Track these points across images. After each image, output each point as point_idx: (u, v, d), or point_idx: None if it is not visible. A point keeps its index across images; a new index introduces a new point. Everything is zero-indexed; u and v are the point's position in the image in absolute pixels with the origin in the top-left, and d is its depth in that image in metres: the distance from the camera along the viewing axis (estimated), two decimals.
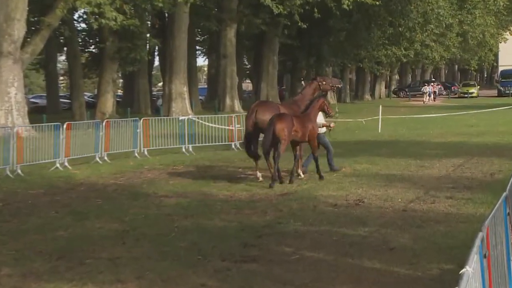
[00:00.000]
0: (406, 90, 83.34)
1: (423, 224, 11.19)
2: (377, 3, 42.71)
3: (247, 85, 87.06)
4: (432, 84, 76.26)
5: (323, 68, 63.60)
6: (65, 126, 20.86)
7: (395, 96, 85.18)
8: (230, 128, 25.61)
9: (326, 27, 52.91)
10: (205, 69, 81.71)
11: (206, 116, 28.19)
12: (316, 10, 42.15)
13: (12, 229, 11.68)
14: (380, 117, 33.48)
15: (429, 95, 69.12)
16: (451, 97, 79.38)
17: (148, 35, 44.04)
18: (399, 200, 13.55)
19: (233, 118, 26.06)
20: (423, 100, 66.71)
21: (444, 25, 62.68)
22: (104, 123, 22.67)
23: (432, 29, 61.79)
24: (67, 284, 8.30)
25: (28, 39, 31.28)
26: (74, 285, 8.25)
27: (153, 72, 66.28)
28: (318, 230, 10.99)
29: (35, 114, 38.23)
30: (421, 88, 74.97)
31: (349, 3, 41.50)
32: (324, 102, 16.60)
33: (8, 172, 18.40)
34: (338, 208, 12.85)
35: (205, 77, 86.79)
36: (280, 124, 15.32)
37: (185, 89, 43.14)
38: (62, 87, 65.41)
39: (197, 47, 68.39)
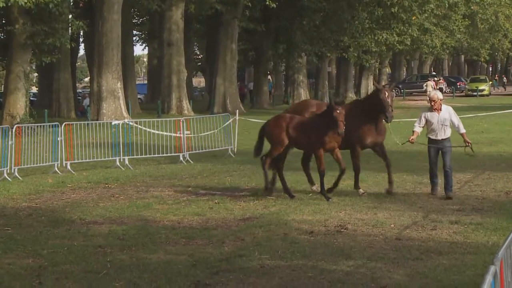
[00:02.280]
0: (400, 86, 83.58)
1: (421, 256, 11.23)
2: None
3: (199, 80, 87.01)
4: (434, 79, 76.51)
5: (295, 58, 63.56)
6: None
7: None
8: (178, 135, 25.58)
9: (298, 7, 52.98)
10: (145, 60, 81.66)
11: (147, 120, 28.12)
12: None
13: None
14: None
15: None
16: (456, 96, 79.57)
17: (70, 16, 43.68)
18: (392, 226, 13.64)
19: (181, 123, 26.03)
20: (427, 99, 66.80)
21: (447, 5, 62.80)
22: (14, 129, 22.51)
23: (433, 10, 61.70)
24: None
25: None
26: None
27: (77, 64, 65.95)
28: (289, 264, 10.99)
29: None
30: (421, 84, 75.22)
31: None
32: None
33: None
34: (315, 237, 12.88)
35: (144, 70, 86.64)
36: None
37: (119, 85, 42.94)
38: None
39: (134, 32, 68.24)
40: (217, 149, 26.68)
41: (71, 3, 46.26)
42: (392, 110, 16.76)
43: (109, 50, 42.36)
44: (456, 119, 16.35)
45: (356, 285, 9.83)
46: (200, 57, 72.72)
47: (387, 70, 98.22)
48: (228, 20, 52.43)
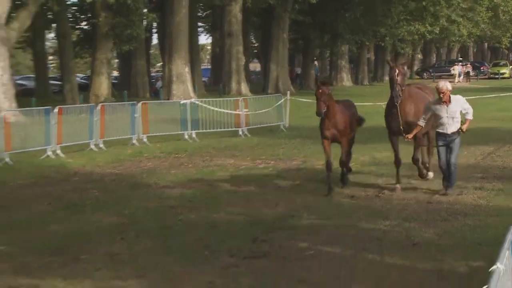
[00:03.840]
0: (430, 70, 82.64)
1: (449, 218, 11.18)
2: None
3: (255, 65, 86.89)
4: (461, 63, 75.79)
5: (338, 46, 63.31)
6: (56, 110, 20.91)
7: (418, 77, 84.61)
8: (237, 112, 25.65)
9: (342, 1, 52.58)
10: (209, 48, 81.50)
11: (210, 99, 28.17)
12: None
13: (0, 223, 11.80)
14: None
15: (459, 76, 68.62)
16: (480, 78, 78.75)
17: (145, 10, 43.90)
18: (424, 191, 13.54)
19: (239, 102, 26.11)
20: (453, 81, 66.30)
21: None
22: (98, 108, 22.72)
23: (459, 3, 61.10)
24: (62, 281, 8.37)
25: (13, 15, 31.25)
26: (69, 282, 8.31)
27: (151, 52, 66.31)
28: (334, 224, 11.02)
29: (23, 97, 38.23)
30: (449, 68, 74.52)
31: None
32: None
33: None
34: (356, 200, 12.90)
35: (208, 57, 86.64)
36: None
37: (187, 70, 43.08)
38: (52, 68, 65.43)
39: (199, 24, 68.31)
40: (271, 124, 26.67)
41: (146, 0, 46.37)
42: (401, 89, 12.94)
43: (178, 39, 42.49)
44: (467, 106, 12.88)
45: (392, 242, 9.80)
46: (255, 45, 72.36)
47: (419, 56, 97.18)
48: (280, 13, 52.24)
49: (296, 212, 11.78)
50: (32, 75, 57.32)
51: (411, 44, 76.68)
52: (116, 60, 58.39)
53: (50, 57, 66.40)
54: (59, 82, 50.72)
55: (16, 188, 15.35)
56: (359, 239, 10.02)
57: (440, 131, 12.74)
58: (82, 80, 56.55)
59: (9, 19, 30.12)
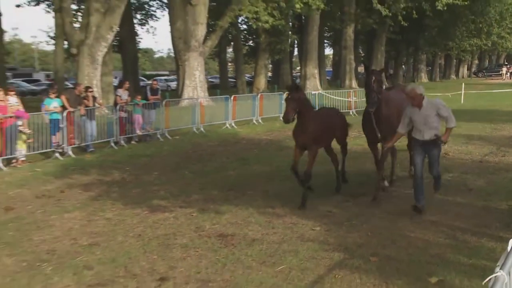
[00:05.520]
0: (484, 71, 78.33)
1: (495, 172, 10.70)
2: (466, 3, 40.53)
3: (361, 68, 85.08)
4: (507, 66, 71.72)
5: (419, 55, 62.08)
6: (232, 97, 21.33)
7: (475, 76, 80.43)
8: (349, 100, 25.31)
9: (422, 25, 50.90)
10: (331, 57, 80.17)
11: (331, 91, 27.88)
12: (414, 12, 41.02)
13: (197, 170, 12.15)
14: (463, 92, 32.09)
15: (506, 74, 65.09)
16: None
17: (289, 32, 43.90)
18: (477, 153, 12.99)
19: (351, 93, 25.84)
20: (502, 78, 62.66)
21: None
22: (258, 96, 22.99)
23: (507, 24, 58.10)
24: (235, 207, 8.56)
25: (207, 37, 32.05)
26: (239, 208, 8.47)
27: (293, 59, 66.07)
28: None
29: (212, 89, 39.22)
30: (498, 69, 70.45)
31: (443, 4, 39.72)
32: None
33: (195, 130, 19.12)
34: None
35: (330, 62, 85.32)
36: None
37: (316, 71, 42.85)
38: (230, 70, 66.52)
39: (325, 41, 67.41)
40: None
41: (290, 25, 46.28)
42: (376, 97, 8.29)
43: (311, 51, 42.23)
44: (445, 112, 7.80)
45: (454, 188, 9.47)
46: (362, 55, 70.70)
47: (476, 61, 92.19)
48: (379, 33, 50.93)
49: (386, 167, 11.02)
50: (218, 75, 58.60)
51: (470, 53, 73.26)
52: (270, 65, 58.52)
53: (229, 64, 67.50)
54: (234, 80, 51.56)
55: (207, 147, 15.73)
56: (432, 185, 9.66)
57: (415, 136, 8.00)
58: (249, 78, 57.08)
59: (205, 40, 30.82)
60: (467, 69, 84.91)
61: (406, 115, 7.92)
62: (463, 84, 34.10)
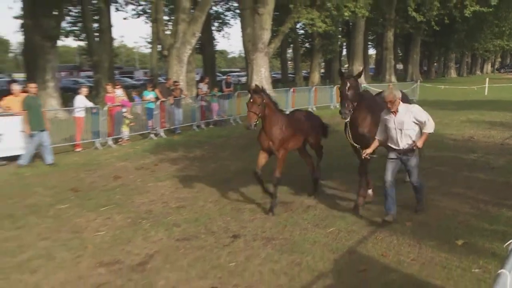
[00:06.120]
0: (506, 68, 74.53)
1: None
2: (491, 10, 38.42)
3: (400, 66, 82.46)
4: None
5: (449, 55, 60.23)
6: (291, 90, 21.17)
7: (498, 72, 76.45)
8: None
9: (452, 29, 48.88)
10: (374, 56, 77.96)
11: (374, 84, 27.23)
12: (445, 18, 39.54)
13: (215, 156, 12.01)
14: (487, 85, 30.67)
15: None
16: None
17: (339, 36, 43.07)
18: (498, 137, 12.37)
19: (390, 86, 25.09)
20: None
21: None
22: (313, 88, 22.74)
23: None
24: (293, 179, 8.44)
25: (271, 40, 31.87)
26: (297, 180, 8.38)
27: (342, 59, 64.70)
28: (444, 155, 10.29)
29: (274, 83, 39.05)
30: None
31: (470, 12, 38.06)
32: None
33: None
34: (456, 142, 11.98)
35: (373, 61, 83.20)
36: None
37: (361, 68, 41.72)
38: (289, 67, 65.97)
39: (369, 43, 65.58)
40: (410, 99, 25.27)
41: (340, 30, 45.38)
42: (351, 105, 6.22)
43: (357, 52, 41.36)
44: (423, 117, 5.85)
45: (478, 166, 9.08)
46: (400, 54, 68.27)
47: (499, 59, 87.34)
48: (415, 36, 49.25)
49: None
50: (279, 72, 58.27)
51: (494, 52, 69.71)
52: (323, 63, 57.64)
53: (289, 62, 66.87)
54: (293, 75, 51.12)
55: (231, 138, 14.49)
56: (458, 164, 9.36)
57: (390, 145, 6.04)
58: (305, 74, 56.36)
59: (269, 42, 30.69)
60: (491, 66, 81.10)
61: (382, 122, 6.10)
62: (487, 78, 32.43)
